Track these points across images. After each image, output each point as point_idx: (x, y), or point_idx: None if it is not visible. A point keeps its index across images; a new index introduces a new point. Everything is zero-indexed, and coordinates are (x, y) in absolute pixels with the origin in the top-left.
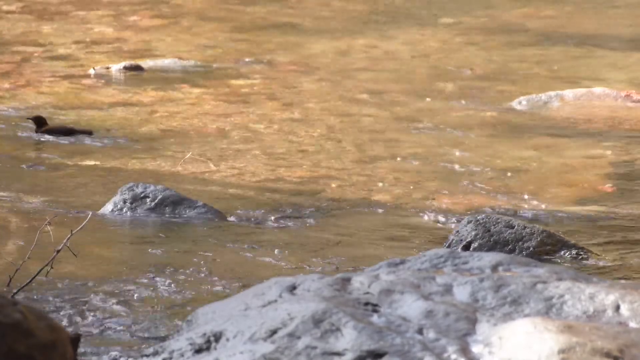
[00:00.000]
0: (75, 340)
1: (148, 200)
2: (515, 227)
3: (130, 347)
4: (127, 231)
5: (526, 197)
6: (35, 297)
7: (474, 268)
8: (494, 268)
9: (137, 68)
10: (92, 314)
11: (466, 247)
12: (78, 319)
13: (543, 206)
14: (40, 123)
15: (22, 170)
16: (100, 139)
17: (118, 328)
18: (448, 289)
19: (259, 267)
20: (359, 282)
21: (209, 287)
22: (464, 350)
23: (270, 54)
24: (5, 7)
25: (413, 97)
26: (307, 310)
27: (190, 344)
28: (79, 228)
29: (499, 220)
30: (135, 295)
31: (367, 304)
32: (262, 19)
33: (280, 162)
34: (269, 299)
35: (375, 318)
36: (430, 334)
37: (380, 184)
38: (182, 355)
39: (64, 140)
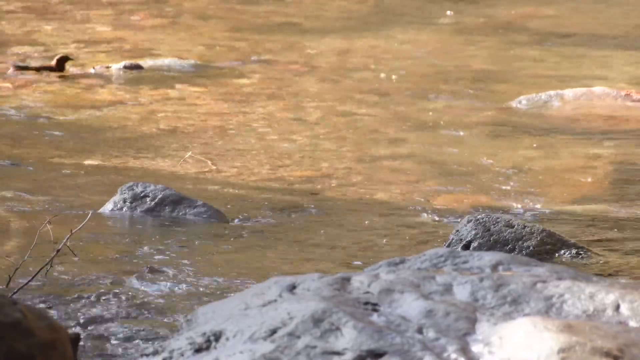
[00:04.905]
0: (75, 340)
1: (148, 199)
2: (515, 226)
3: (130, 346)
4: (127, 230)
5: (526, 196)
6: (34, 296)
7: (474, 267)
8: (494, 267)
9: (137, 67)
10: (92, 313)
11: (466, 247)
12: (77, 318)
13: (543, 206)
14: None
15: (21, 169)
16: (100, 139)
17: (118, 327)
18: (448, 289)
19: (258, 266)
20: (358, 281)
21: (209, 286)
22: (464, 349)
23: (270, 53)
24: (5, 7)
25: (413, 97)
26: (307, 310)
27: (190, 344)
28: (79, 227)
29: (498, 219)
30: (135, 294)
31: (367, 303)
32: (262, 18)
33: (280, 161)
34: (268, 298)
35: (375, 317)
36: (430, 334)
37: (380, 184)
38: (182, 354)
39: (64, 140)
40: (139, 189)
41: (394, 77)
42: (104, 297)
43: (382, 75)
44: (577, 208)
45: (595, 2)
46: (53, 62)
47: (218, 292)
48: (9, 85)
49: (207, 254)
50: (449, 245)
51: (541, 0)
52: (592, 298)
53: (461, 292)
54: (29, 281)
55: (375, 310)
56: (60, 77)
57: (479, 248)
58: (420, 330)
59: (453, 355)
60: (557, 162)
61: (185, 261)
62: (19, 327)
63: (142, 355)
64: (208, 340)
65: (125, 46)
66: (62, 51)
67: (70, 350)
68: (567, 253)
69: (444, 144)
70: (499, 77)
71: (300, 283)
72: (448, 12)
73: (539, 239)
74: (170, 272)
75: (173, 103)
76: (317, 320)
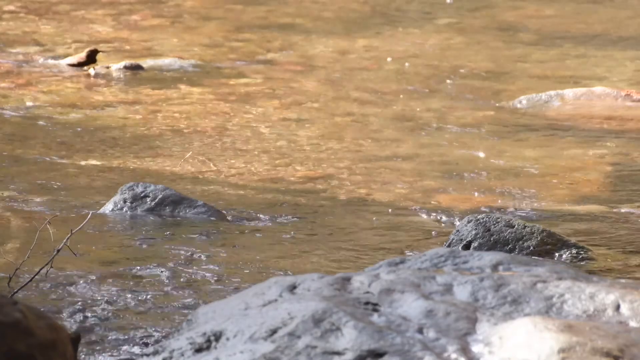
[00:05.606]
0: (75, 339)
1: (148, 199)
2: (515, 226)
3: (130, 347)
4: (127, 230)
5: (526, 196)
6: (35, 296)
7: (474, 267)
8: (494, 267)
9: (137, 67)
10: (92, 313)
11: (466, 247)
12: (78, 318)
13: (543, 206)
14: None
15: (22, 169)
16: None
17: (118, 327)
18: (448, 289)
19: (259, 266)
20: (359, 281)
21: (209, 286)
22: (464, 349)
23: (270, 54)
24: (5, 7)
25: (413, 97)
26: (307, 310)
27: (191, 344)
28: (79, 227)
29: (499, 219)
30: (135, 294)
31: (367, 303)
32: (262, 19)
33: (280, 162)
34: (269, 298)
35: (375, 317)
36: (431, 334)
37: (380, 184)
38: (182, 354)
39: (65, 140)
40: (139, 189)
41: (406, 63)
42: (104, 297)
43: (389, 59)
44: (577, 208)
45: (595, 2)
46: (83, 55)
47: (218, 292)
48: (9, 84)
49: (207, 254)
50: (449, 245)
51: (541, 0)
52: (592, 298)
53: (461, 292)
54: (29, 281)
55: (375, 310)
56: (67, 77)
57: (480, 248)
58: (420, 330)
59: (453, 355)
60: (557, 162)
61: (186, 261)
62: (19, 327)
63: (142, 355)
64: (208, 340)
65: (125, 46)
66: (62, 51)
67: (71, 350)
68: (567, 253)
69: (444, 144)
70: (499, 77)
71: (301, 283)
72: (448, 1)
73: (539, 239)
74: (171, 271)
75: (173, 103)
76: (317, 320)
